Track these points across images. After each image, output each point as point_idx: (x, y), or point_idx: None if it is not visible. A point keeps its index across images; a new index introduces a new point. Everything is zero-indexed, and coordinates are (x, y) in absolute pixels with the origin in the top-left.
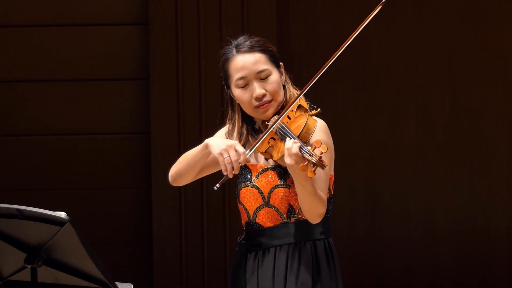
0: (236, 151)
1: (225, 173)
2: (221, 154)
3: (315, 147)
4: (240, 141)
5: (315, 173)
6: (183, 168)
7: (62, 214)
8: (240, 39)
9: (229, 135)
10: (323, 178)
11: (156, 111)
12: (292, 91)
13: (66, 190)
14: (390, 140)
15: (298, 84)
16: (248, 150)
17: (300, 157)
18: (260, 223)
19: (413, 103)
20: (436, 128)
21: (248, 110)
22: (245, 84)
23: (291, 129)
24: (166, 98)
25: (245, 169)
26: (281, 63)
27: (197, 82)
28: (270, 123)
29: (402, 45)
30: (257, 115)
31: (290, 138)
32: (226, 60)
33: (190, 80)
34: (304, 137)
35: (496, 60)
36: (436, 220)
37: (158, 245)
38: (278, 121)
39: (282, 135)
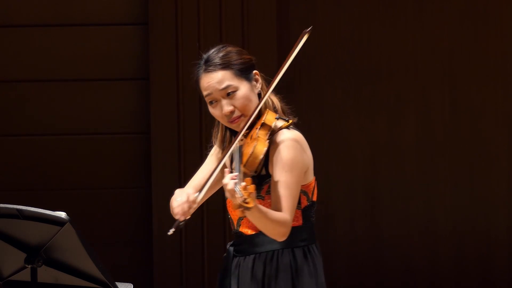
0: (186, 195)
1: (177, 217)
2: (175, 199)
3: (245, 186)
4: (223, 145)
5: (243, 213)
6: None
7: (62, 214)
8: (209, 54)
9: (214, 138)
10: (286, 197)
11: (156, 111)
12: (269, 98)
13: (66, 190)
14: (390, 140)
15: (298, 84)
16: (198, 193)
17: (234, 194)
18: (243, 232)
19: (413, 103)
20: (436, 128)
21: (224, 124)
22: (214, 101)
23: (244, 152)
24: (166, 98)
25: None
26: (254, 71)
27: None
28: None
29: (402, 45)
30: (233, 128)
31: (236, 167)
32: (196, 79)
33: (190, 80)
34: (250, 166)
35: (496, 60)
36: (436, 220)
37: (158, 245)
38: (231, 148)
39: (233, 160)
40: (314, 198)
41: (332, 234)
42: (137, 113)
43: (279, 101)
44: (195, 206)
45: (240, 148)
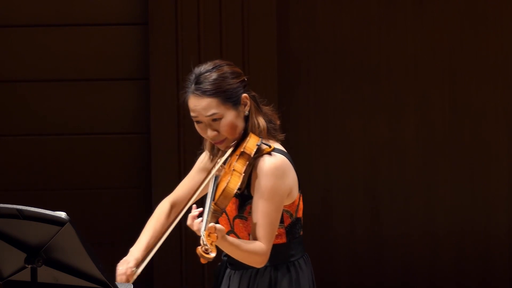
0: (125, 270)
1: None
2: (118, 267)
3: (210, 233)
4: (212, 152)
5: (207, 261)
6: None
7: (62, 214)
8: (202, 72)
9: (204, 144)
10: (263, 225)
11: (156, 111)
12: (257, 121)
13: (66, 190)
14: (390, 140)
15: (299, 84)
16: (135, 269)
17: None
18: None
19: (413, 103)
20: (436, 128)
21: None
22: (199, 121)
23: (219, 186)
24: (166, 98)
25: None
26: (244, 94)
27: None
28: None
29: (402, 45)
30: (217, 147)
31: (207, 202)
32: (185, 95)
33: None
34: (220, 204)
35: (496, 60)
36: (436, 220)
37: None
38: (210, 176)
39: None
40: (299, 215)
41: (332, 234)
42: (137, 113)
43: (266, 119)
44: (134, 277)
45: (216, 178)
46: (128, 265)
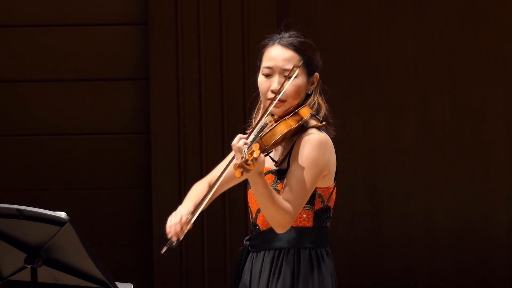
0: (180, 219)
1: (169, 236)
2: (170, 219)
3: (252, 151)
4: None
5: (242, 174)
6: None
7: (62, 214)
8: (290, 33)
9: (254, 120)
10: (296, 192)
11: (156, 111)
12: (317, 101)
13: (66, 190)
14: (390, 140)
15: None
16: (191, 215)
17: (238, 154)
18: (259, 225)
19: (413, 103)
20: (436, 128)
21: (263, 98)
22: (269, 74)
23: (265, 129)
24: (166, 98)
25: None
26: (317, 73)
27: (197, 82)
28: (256, 124)
29: (402, 45)
30: (267, 106)
31: (252, 136)
32: (265, 45)
33: (190, 80)
34: (266, 140)
35: (496, 60)
36: (436, 220)
37: (158, 245)
38: (261, 122)
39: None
40: (330, 204)
41: (332, 234)
42: (137, 113)
43: (326, 109)
44: (188, 227)
45: (263, 127)
46: (181, 214)
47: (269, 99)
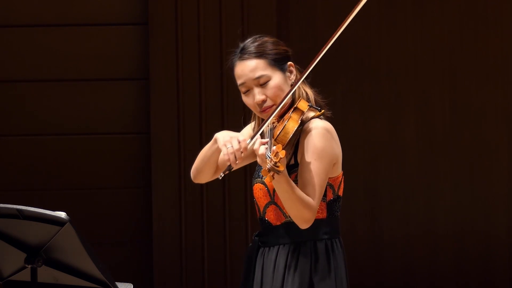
0: (238, 142)
1: (228, 163)
2: (224, 145)
3: (276, 152)
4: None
5: (273, 178)
6: (199, 164)
7: (62, 214)
8: (245, 43)
9: (252, 129)
10: (314, 184)
11: (156, 111)
12: (303, 89)
13: (66, 190)
14: (390, 140)
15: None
16: (249, 140)
17: (264, 159)
18: (269, 220)
19: (413, 103)
20: (436, 128)
21: (256, 113)
22: (247, 90)
23: (275, 131)
24: (166, 98)
25: (259, 165)
26: (289, 62)
27: (197, 82)
28: (261, 125)
29: (402, 45)
30: (264, 118)
31: (268, 140)
32: (231, 67)
33: (190, 80)
34: (280, 140)
35: (496, 60)
36: (436, 220)
37: (158, 244)
38: (267, 122)
39: (266, 136)
40: (340, 193)
41: None
42: (137, 113)
43: (314, 93)
44: (243, 146)
45: (272, 130)
46: (238, 139)
47: (262, 111)
